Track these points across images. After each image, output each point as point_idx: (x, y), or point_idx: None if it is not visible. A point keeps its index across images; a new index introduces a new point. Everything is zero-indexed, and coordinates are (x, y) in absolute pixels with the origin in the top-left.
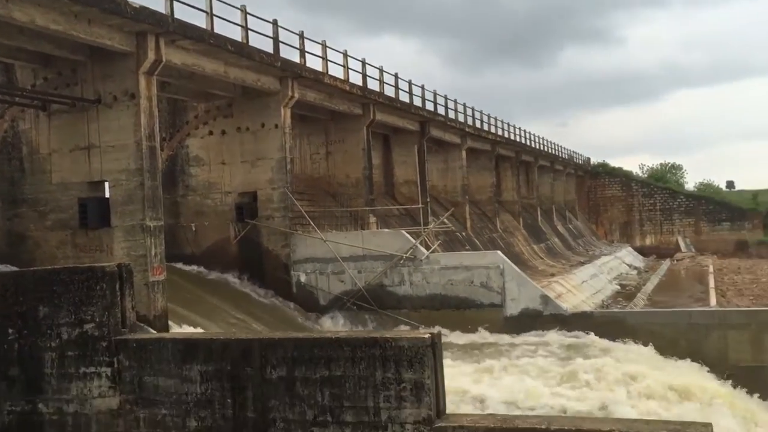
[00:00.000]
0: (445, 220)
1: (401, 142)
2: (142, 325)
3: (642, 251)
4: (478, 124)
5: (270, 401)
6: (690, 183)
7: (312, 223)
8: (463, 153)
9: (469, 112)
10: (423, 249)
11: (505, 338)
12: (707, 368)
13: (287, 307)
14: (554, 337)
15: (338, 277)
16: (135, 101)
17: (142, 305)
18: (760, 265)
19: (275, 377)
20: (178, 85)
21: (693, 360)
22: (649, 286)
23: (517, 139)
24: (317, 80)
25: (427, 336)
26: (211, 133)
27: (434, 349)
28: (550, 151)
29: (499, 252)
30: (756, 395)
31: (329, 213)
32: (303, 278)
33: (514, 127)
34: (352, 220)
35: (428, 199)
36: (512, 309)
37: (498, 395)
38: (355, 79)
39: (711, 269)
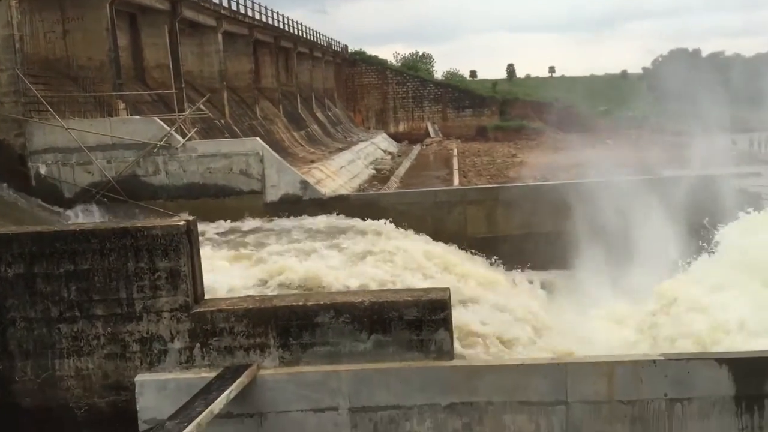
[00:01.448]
0: (202, 107)
1: (150, 22)
2: None
3: (396, 137)
4: (234, 6)
5: (7, 300)
6: (439, 72)
7: (50, 109)
8: (219, 37)
9: None
10: (179, 137)
11: (266, 224)
12: (451, 241)
13: (26, 202)
14: (314, 220)
15: (85, 168)
16: None
17: None
18: (497, 148)
19: (11, 275)
20: None
21: (439, 234)
22: (402, 170)
23: (276, 24)
24: None
25: (181, 223)
26: None
27: (190, 236)
28: (309, 37)
29: (258, 139)
30: (493, 258)
31: (71, 99)
32: (43, 170)
33: (273, 12)
34: (98, 106)
35: (183, 85)
36: (272, 195)
37: (258, 279)
38: None
39: (455, 153)
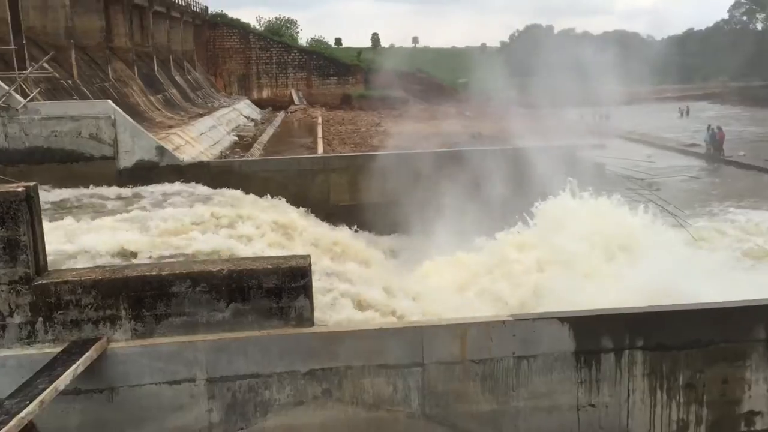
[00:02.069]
0: (46, 65)
1: None
2: None
3: (259, 104)
4: None
5: None
6: (303, 39)
7: None
8: None
9: None
10: (19, 97)
11: (119, 191)
12: (314, 209)
13: None
14: (172, 188)
15: None
16: None
17: None
18: (361, 116)
19: None
20: None
21: (302, 202)
22: (265, 137)
23: None
24: None
25: (20, 189)
26: None
27: (30, 203)
28: None
29: (110, 102)
30: (355, 226)
31: None
32: None
33: None
34: None
35: (24, 41)
36: (126, 161)
37: (110, 248)
38: None
39: (320, 120)
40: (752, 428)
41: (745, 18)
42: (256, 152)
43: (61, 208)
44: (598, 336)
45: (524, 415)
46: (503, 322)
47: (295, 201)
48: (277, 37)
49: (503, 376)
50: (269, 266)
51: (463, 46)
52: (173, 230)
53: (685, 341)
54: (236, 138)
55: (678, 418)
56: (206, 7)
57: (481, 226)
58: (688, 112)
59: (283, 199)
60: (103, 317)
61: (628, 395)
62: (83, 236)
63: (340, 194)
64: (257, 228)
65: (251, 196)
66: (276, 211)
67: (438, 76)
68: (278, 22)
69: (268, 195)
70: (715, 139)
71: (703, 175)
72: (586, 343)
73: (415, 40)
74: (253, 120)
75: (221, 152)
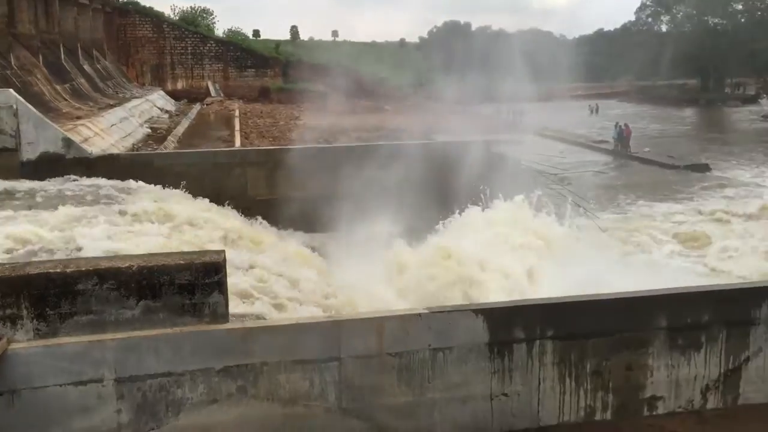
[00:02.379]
0: None
1: None
2: None
3: (174, 95)
4: None
5: None
6: (220, 29)
7: None
8: None
9: None
10: None
11: (23, 185)
12: (231, 203)
13: None
14: (79, 182)
15: None
16: None
17: None
18: (279, 109)
19: None
20: None
21: (219, 196)
22: (180, 129)
23: None
24: None
25: None
26: None
27: None
28: None
29: (11, 90)
30: (273, 221)
31: None
32: None
33: None
34: None
35: None
36: (29, 153)
37: (12, 244)
38: None
39: (237, 113)
40: (654, 412)
41: (650, 20)
42: (170, 145)
43: None
44: (511, 327)
45: (440, 406)
46: (419, 315)
47: (212, 195)
48: (193, 27)
49: (419, 368)
50: (182, 262)
51: (382, 40)
52: (92, 225)
53: (592, 330)
54: (149, 130)
55: (585, 405)
56: None
57: (398, 224)
58: (597, 110)
59: (201, 195)
60: (2, 317)
61: (539, 383)
62: None
63: (257, 188)
64: (170, 224)
65: (167, 190)
66: (192, 204)
67: (358, 71)
68: (193, 11)
69: (183, 189)
70: (623, 136)
71: (611, 170)
72: (499, 334)
73: (334, 33)
74: (167, 112)
75: (133, 145)
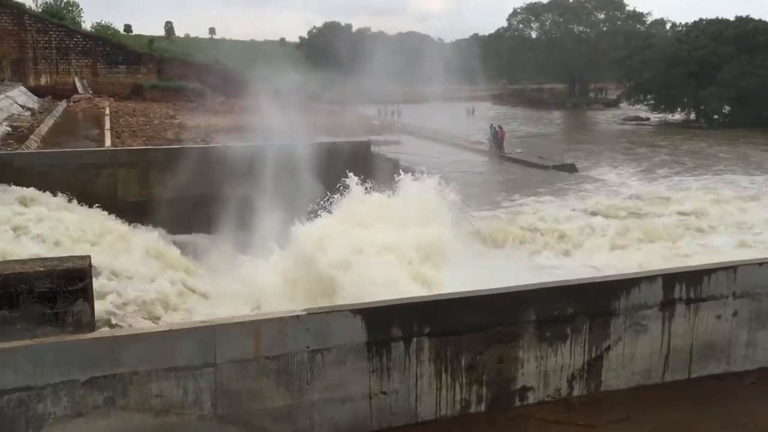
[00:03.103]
0: None
1: None
2: None
3: (37, 92)
4: None
5: None
6: (88, 23)
7: None
8: None
9: None
10: None
11: None
12: (99, 205)
13: None
14: None
15: None
16: None
17: None
18: (154, 108)
19: None
20: None
21: (86, 198)
22: (44, 128)
23: None
24: None
25: None
26: None
27: None
28: None
29: None
30: (146, 223)
31: None
32: None
33: None
34: None
35: None
36: None
37: None
38: None
39: (107, 111)
40: (525, 402)
41: (521, 26)
42: (33, 144)
43: None
44: (389, 325)
45: (318, 408)
46: (297, 316)
47: (79, 197)
48: (57, 19)
49: (298, 371)
50: (42, 269)
51: (262, 39)
52: None
53: (467, 326)
54: (9, 128)
55: (461, 398)
56: None
57: (276, 222)
58: (473, 112)
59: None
60: None
61: (417, 380)
62: None
63: (129, 190)
64: (33, 228)
65: (29, 191)
66: (58, 208)
67: (236, 69)
68: (57, 3)
69: (46, 190)
70: (497, 137)
71: (486, 170)
72: (377, 333)
73: (212, 30)
74: (29, 109)
75: None
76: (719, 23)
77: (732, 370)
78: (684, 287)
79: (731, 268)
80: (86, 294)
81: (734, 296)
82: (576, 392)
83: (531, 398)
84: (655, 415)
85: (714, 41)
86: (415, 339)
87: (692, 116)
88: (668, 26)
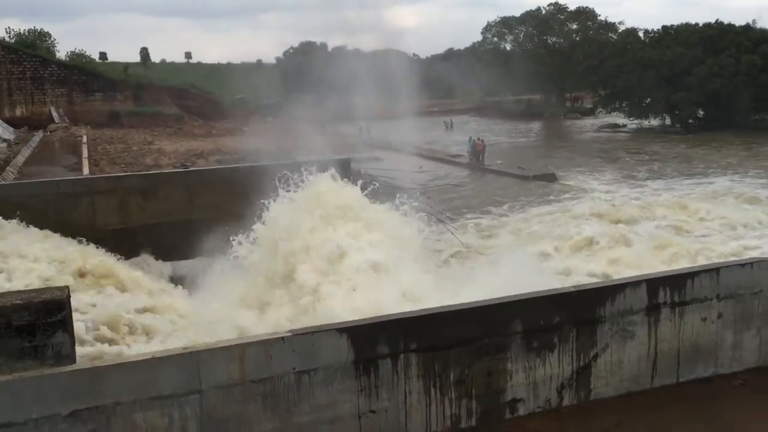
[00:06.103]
0: None
1: None
2: None
3: (13, 123)
4: None
5: None
6: (62, 52)
7: None
8: None
9: None
10: None
11: None
12: (79, 234)
13: None
14: None
15: None
16: None
17: None
18: (131, 134)
19: None
20: None
21: (64, 228)
22: (20, 159)
23: None
24: None
25: None
26: None
27: None
28: None
29: None
30: (126, 251)
31: None
32: None
33: None
34: None
35: None
36: None
37: None
38: None
39: (85, 139)
40: (516, 414)
41: (495, 39)
42: (10, 175)
43: None
44: (375, 343)
45: (307, 430)
46: (282, 338)
47: (57, 227)
48: (31, 50)
49: (285, 393)
50: (19, 301)
51: (238, 61)
52: None
53: (454, 340)
54: None
55: (451, 413)
56: None
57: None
58: (452, 125)
59: (44, 227)
60: None
61: (406, 397)
62: None
63: (107, 218)
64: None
65: (6, 223)
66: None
67: (214, 92)
68: (31, 35)
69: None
70: (476, 150)
71: (467, 182)
72: (364, 351)
73: (188, 55)
74: (5, 140)
75: None
76: (687, 28)
77: (720, 372)
78: (668, 291)
79: (714, 270)
80: (65, 325)
81: (718, 298)
82: (566, 402)
83: (521, 410)
84: (646, 421)
85: (682, 46)
86: (402, 355)
87: (668, 121)
88: (641, 34)
